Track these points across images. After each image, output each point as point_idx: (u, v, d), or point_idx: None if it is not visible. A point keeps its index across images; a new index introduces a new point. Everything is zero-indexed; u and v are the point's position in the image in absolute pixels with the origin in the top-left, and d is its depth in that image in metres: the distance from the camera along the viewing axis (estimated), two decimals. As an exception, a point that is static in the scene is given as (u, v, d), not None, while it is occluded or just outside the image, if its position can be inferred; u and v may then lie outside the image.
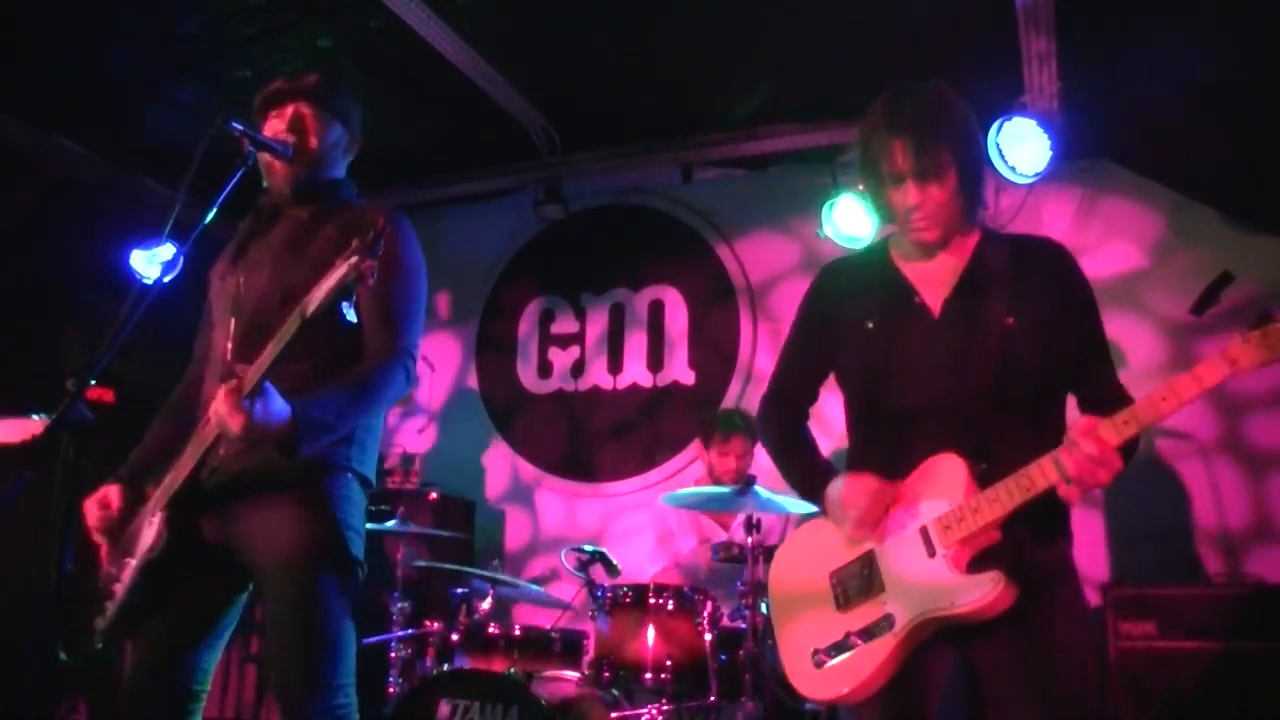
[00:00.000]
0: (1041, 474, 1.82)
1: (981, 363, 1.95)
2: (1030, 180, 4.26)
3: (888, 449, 2.03)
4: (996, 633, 1.88)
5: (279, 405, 1.96)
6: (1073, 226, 4.76)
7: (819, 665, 1.98)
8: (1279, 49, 3.52)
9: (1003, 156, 4.19)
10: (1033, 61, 4.06)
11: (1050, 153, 4.14)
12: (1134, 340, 4.57)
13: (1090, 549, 4.44)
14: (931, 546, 1.91)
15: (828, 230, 4.64)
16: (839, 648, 1.96)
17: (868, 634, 1.93)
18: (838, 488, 2.05)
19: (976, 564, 1.88)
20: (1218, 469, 4.37)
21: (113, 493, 2.26)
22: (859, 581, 1.99)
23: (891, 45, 4.15)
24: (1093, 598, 3.91)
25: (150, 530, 2.15)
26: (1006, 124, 4.15)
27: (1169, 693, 3.60)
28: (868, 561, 1.99)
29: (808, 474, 2.16)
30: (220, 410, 1.94)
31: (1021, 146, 4.16)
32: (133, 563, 2.16)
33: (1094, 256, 4.71)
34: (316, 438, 2.03)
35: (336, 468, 2.22)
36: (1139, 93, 4.19)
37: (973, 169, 2.00)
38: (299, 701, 2.07)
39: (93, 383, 2.01)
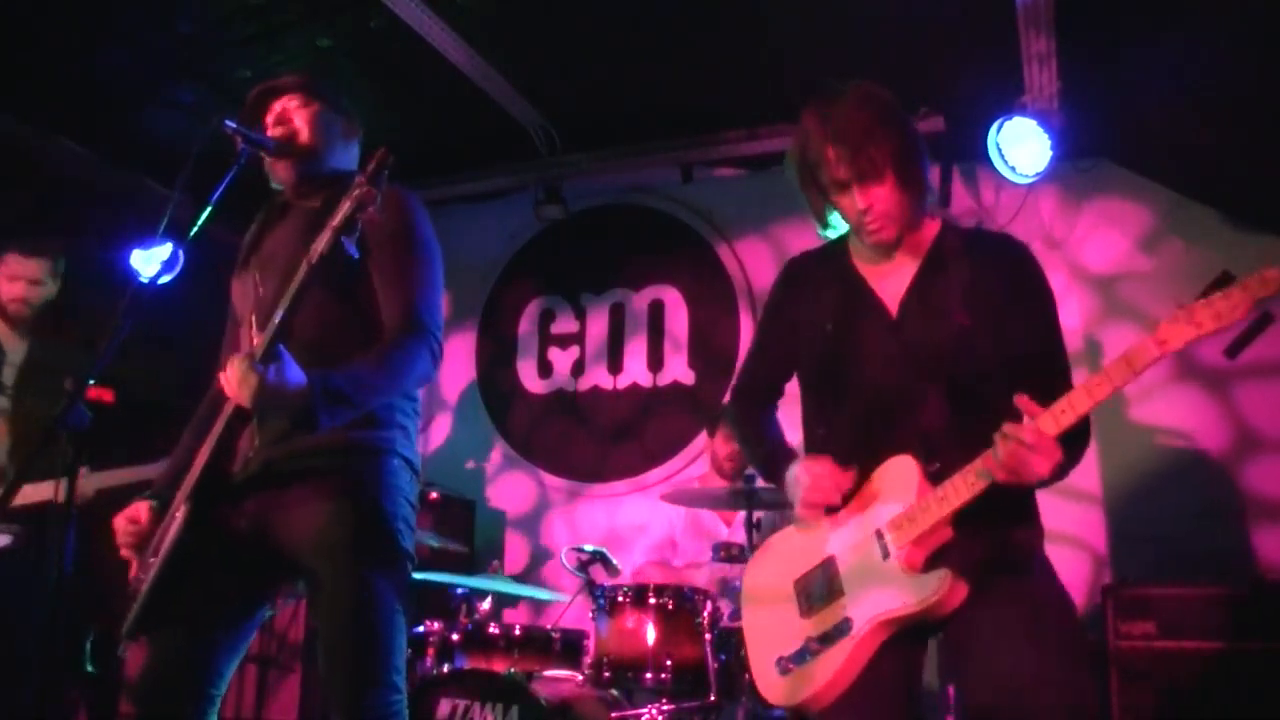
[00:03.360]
0: (984, 467, 1.82)
1: (937, 363, 1.98)
2: (1030, 180, 4.26)
3: (845, 449, 2.04)
4: (963, 609, 1.88)
5: (295, 372, 1.92)
6: (1072, 226, 4.76)
7: (784, 672, 1.99)
8: (1278, 49, 3.52)
9: (1003, 156, 4.20)
10: (1033, 61, 4.06)
11: (1050, 153, 4.15)
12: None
13: (1090, 549, 4.44)
14: (886, 549, 1.92)
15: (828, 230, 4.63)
16: (800, 654, 1.97)
17: (827, 639, 1.94)
18: (794, 469, 2.08)
19: (931, 562, 1.89)
20: (1219, 469, 4.37)
21: (142, 509, 2.20)
22: (820, 587, 2.00)
23: (892, 45, 4.15)
24: (1093, 598, 3.91)
25: (174, 525, 2.09)
26: (1006, 124, 4.15)
27: (1169, 693, 3.60)
28: (829, 567, 2.01)
29: (770, 457, 2.21)
30: (231, 376, 1.91)
31: (1021, 146, 4.17)
32: (156, 561, 2.11)
33: (1093, 256, 4.72)
34: (336, 409, 1.97)
35: (379, 452, 2.15)
36: (1139, 93, 4.19)
37: (911, 161, 2.01)
38: (351, 698, 2.04)
39: (92, 383, 2.01)
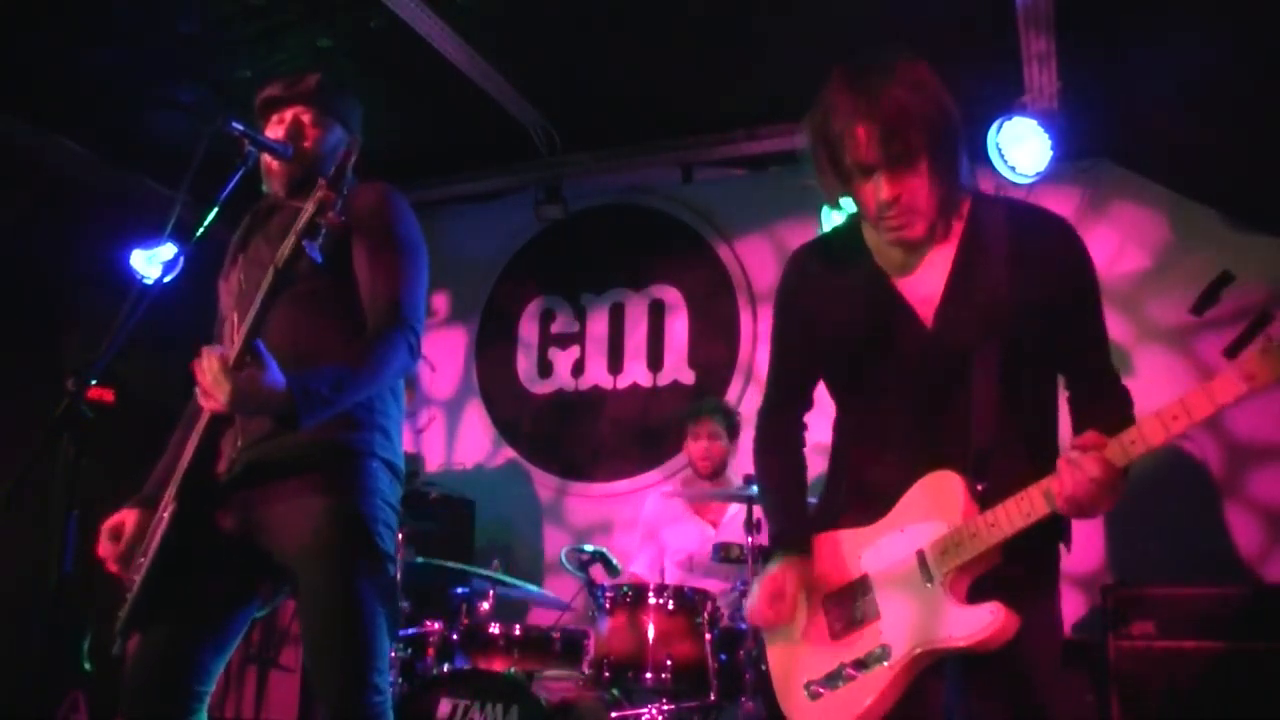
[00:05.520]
0: (1042, 497, 1.69)
1: (981, 375, 1.80)
2: (1030, 180, 4.26)
3: (882, 462, 1.89)
4: None
5: (274, 375, 1.93)
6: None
7: (814, 697, 1.87)
8: (1278, 49, 3.53)
9: (1003, 156, 4.20)
10: (1033, 61, 4.06)
11: (1050, 153, 4.15)
12: (1134, 340, 4.57)
13: (1090, 549, 4.44)
14: (929, 572, 1.78)
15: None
16: (833, 678, 1.85)
17: (862, 664, 1.81)
18: (773, 566, 1.92)
19: (975, 590, 1.77)
20: (1218, 469, 4.37)
21: (128, 520, 2.22)
22: (853, 608, 1.86)
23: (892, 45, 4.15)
24: (1093, 598, 3.91)
25: (162, 524, 2.13)
26: (1006, 124, 4.15)
27: (1169, 693, 3.60)
28: (862, 587, 1.86)
29: (779, 529, 2.01)
30: (204, 382, 1.92)
31: (1021, 146, 4.17)
32: (145, 560, 2.14)
33: (1094, 256, 4.71)
34: (315, 410, 1.98)
35: (358, 454, 2.17)
36: (1139, 93, 4.19)
37: (948, 151, 1.76)
38: (335, 698, 2.08)
39: (93, 383, 2.01)
